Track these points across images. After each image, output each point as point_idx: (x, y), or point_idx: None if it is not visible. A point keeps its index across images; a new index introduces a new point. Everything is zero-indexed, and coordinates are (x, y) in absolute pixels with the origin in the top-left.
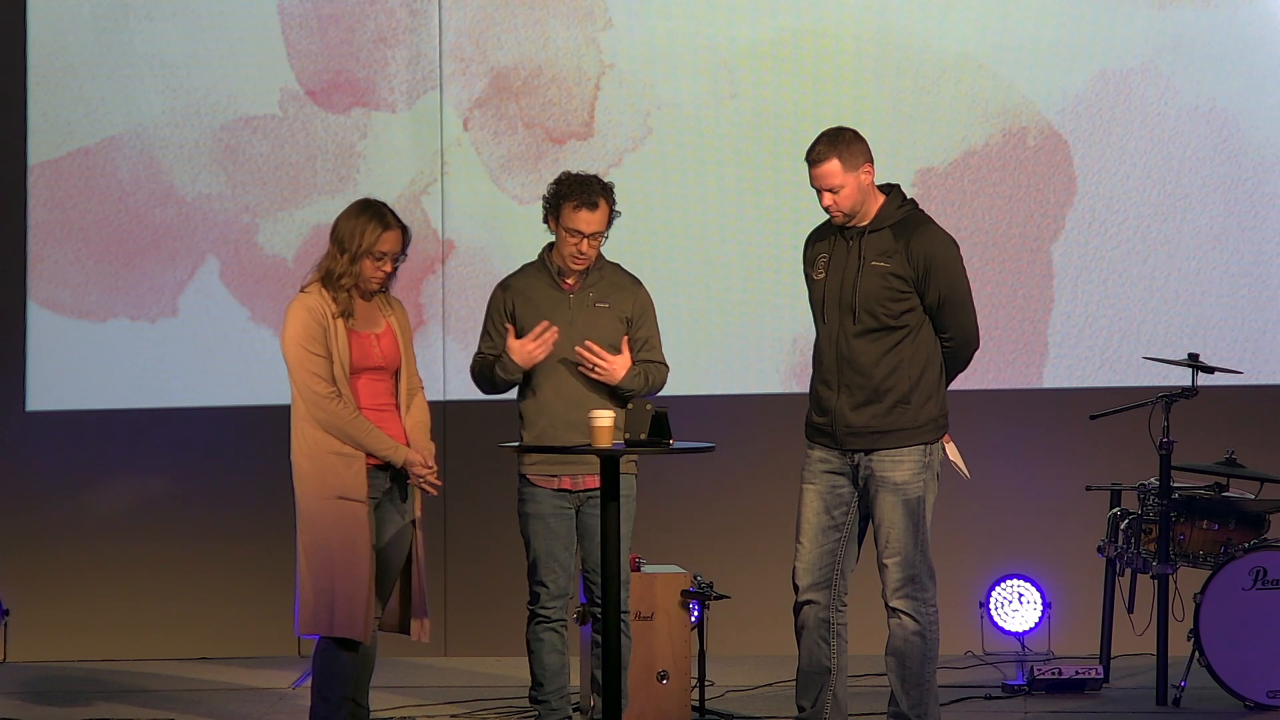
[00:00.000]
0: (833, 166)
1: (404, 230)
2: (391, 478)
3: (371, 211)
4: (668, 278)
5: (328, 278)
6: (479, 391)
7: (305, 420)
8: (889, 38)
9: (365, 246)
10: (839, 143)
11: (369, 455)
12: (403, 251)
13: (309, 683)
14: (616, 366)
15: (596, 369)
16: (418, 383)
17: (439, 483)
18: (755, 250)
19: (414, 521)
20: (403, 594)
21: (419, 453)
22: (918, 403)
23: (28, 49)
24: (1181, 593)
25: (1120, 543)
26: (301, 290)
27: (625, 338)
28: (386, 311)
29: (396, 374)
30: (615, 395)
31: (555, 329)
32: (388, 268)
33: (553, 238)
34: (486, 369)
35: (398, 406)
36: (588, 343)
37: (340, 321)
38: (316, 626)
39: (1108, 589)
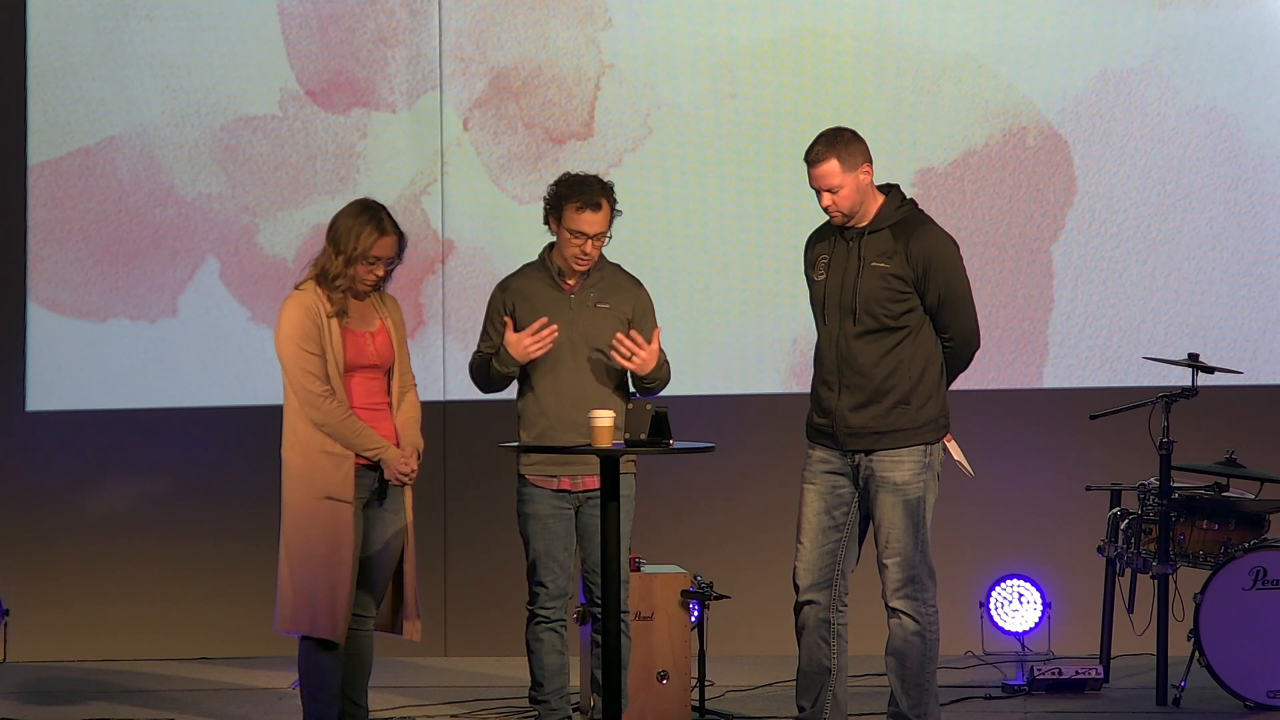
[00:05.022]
0: (831, 167)
1: (400, 236)
2: (381, 478)
3: (369, 214)
4: (668, 278)
5: (323, 276)
6: (478, 391)
7: (297, 417)
8: (889, 38)
9: (360, 250)
10: (837, 143)
11: (358, 455)
12: (398, 256)
13: None
14: (648, 355)
15: (635, 357)
16: (410, 380)
17: (412, 477)
18: (755, 250)
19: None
20: (395, 594)
21: (402, 448)
22: (918, 403)
23: (28, 49)
24: (1181, 593)
25: (1120, 543)
26: (296, 288)
27: (656, 330)
28: (381, 310)
29: (390, 372)
30: (615, 395)
31: (555, 327)
32: (380, 271)
33: (553, 238)
34: (483, 364)
35: (391, 405)
36: (632, 332)
37: (335, 320)
38: (296, 626)
39: (1108, 589)
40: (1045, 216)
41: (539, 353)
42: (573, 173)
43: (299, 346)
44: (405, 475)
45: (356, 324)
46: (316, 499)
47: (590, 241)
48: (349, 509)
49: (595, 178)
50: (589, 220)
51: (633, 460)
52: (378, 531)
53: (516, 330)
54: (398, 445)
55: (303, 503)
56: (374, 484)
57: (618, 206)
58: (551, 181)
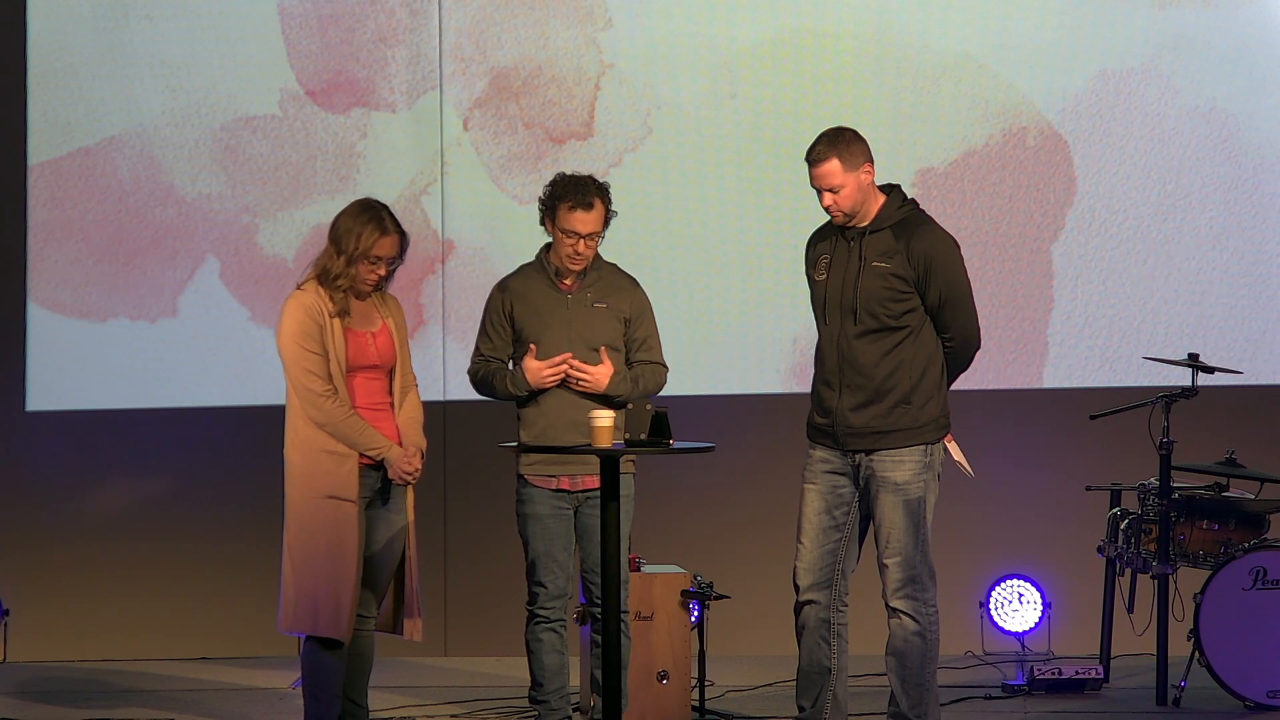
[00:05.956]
0: (833, 166)
1: (402, 235)
2: (384, 477)
3: (371, 214)
4: (668, 278)
5: (324, 276)
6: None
7: (299, 417)
8: (889, 38)
9: (362, 250)
10: (839, 143)
11: (361, 455)
12: (399, 256)
13: None
14: (599, 375)
15: (581, 383)
16: (412, 379)
17: (416, 477)
18: (755, 250)
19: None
20: (396, 594)
21: (405, 448)
22: (919, 403)
23: (28, 49)
24: (1181, 593)
25: (1120, 543)
26: (298, 287)
27: (603, 347)
28: (383, 310)
29: (391, 372)
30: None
31: (573, 360)
32: (382, 271)
33: (551, 238)
34: (494, 380)
35: (392, 405)
36: (568, 356)
37: (337, 320)
38: (299, 625)
39: (1108, 589)
40: (1045, 216)
41: (553, 384)
42: (567, 173)
43: (300, 345)
44: (409, 475)
45: (358, 324)
46: (319, 498)
47: (583, 241)
48: (353, 508)
49: (589, 178)
50: (582, 220)
51: (632, 460)
52: (380, 531)
53: (516, 335)
54: (400, 445)
55: (305, 502)
56: (377, 483)
57: (613, 207)
58: (547, 183)
